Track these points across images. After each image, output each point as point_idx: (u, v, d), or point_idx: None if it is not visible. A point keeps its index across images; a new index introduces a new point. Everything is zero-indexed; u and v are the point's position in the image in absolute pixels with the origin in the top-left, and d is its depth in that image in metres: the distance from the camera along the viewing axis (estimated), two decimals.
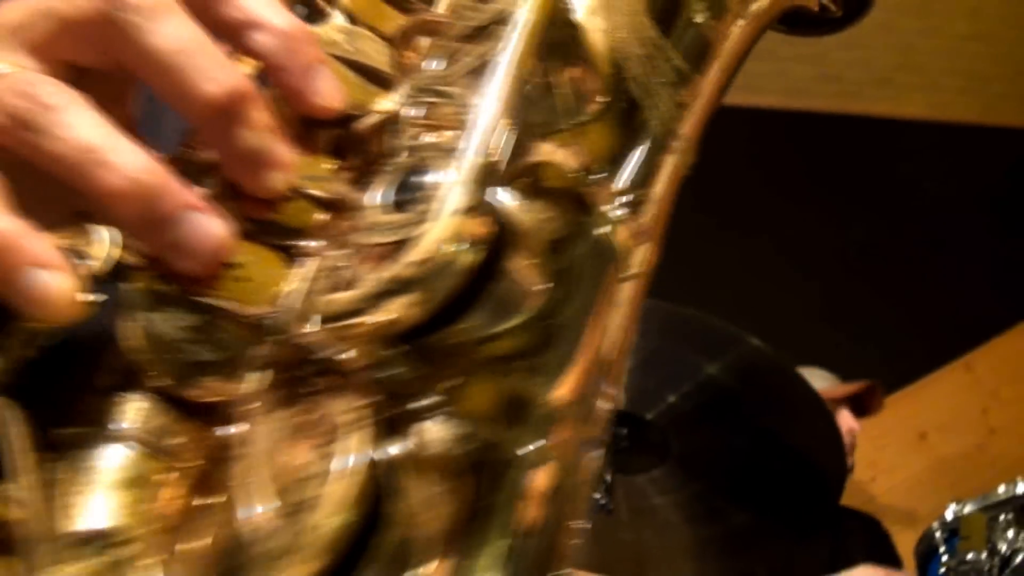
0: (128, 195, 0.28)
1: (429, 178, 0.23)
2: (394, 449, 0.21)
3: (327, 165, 0.30)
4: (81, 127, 0.28)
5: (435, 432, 0.21)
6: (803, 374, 1.67)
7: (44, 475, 0.25)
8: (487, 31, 0.26)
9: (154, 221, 0.28)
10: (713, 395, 1.51)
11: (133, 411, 0.27)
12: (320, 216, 0.29)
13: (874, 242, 3.29)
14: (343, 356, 0.22)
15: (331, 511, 0.20)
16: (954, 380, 3.13)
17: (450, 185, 0.22)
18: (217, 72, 0.29)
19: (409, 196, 0.24)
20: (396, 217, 0.23)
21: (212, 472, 0.26)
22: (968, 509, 1.54)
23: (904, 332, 3.13)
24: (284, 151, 0.30)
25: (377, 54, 0.32)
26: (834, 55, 3.02)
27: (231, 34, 0.31)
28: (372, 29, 0.33)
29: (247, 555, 0.20)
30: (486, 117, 0.23)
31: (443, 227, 0.21)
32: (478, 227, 0.22)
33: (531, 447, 0.22)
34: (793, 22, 0.44)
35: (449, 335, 0.22)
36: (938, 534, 1.58)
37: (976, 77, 3.42)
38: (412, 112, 0.26)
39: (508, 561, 0.22)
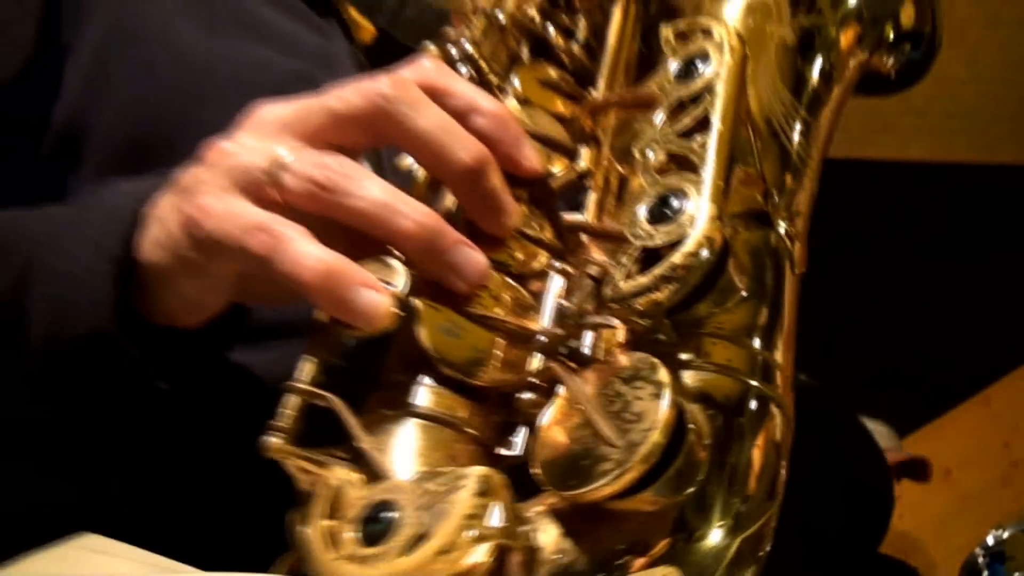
0: (419, 234, 0.38)
1: (676, 201, 0.33)
2: (686, 385, 0.30)
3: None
4: (374, 188, 0.39)
5: (700, 379, 0.31)
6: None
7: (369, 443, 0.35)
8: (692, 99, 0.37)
9: (437, 252, 0.39)
10: None
11: (428, 394, 0.36)
12: (536, 253, 0.40)
13: (887, 281, 3.39)
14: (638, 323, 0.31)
15: (653, 432, 0.28)
16: (974, 415, 3.21)
17: (698, 204, 0.32)
18: (467, 143, 0.40)
19: (663, 212, 0.33)
20: (659, 228, 0.33)
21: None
22: (1008, 533, 1.60)
23: (922, 369, 3.22)
24: (512, 201, 0.41)
25: (552, 126, 0.44)
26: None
27: (457, 118, 0.42)
28: (543, 108, 0.44)
29: (594, 457, 0.29)
30: (711, 155, 0.33)
31: (701, 232, 0.31)
32: (717, 234, 0.31)
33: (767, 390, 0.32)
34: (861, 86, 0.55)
35: (695, 311, 0.32)
36: (981, 559, 1.64)
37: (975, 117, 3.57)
38: (650, 155, 0.36)
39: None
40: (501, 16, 0.48)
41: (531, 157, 0.42)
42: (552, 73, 0.49)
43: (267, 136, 0.41)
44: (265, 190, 0.39)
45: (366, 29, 0.82)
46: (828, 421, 1.60)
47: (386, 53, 0.82)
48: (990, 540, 1.64)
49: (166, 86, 0.64)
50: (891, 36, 0.49)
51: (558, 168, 0.44)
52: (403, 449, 0.34)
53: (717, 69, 0.35)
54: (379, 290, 0.36)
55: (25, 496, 0.49)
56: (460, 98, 0.42)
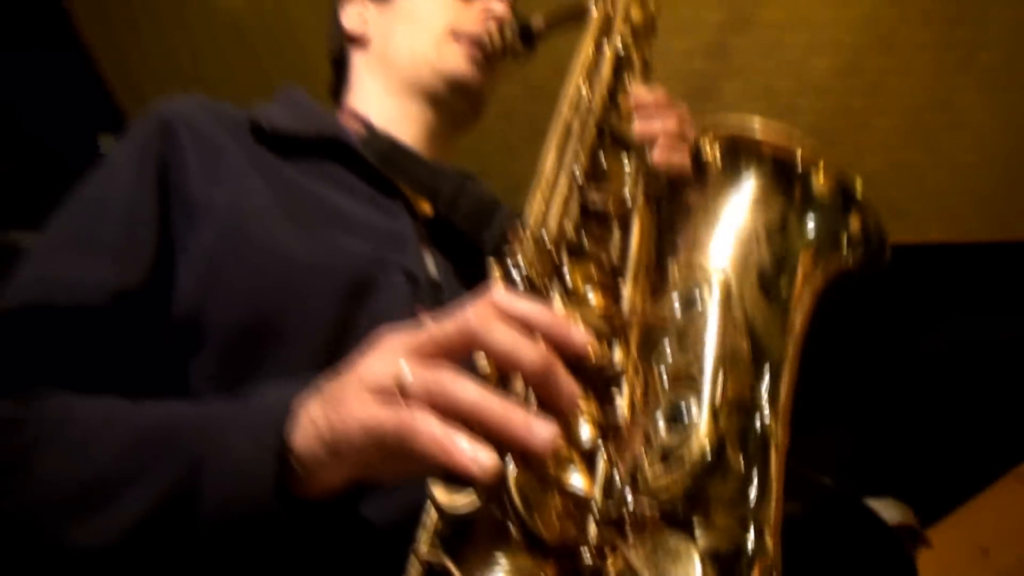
0: (504, 419, 0.52)
1: (683, 408, 0.46)
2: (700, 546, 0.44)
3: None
4: (469, 390, 0.53)
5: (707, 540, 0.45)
6: (875, 506, 1.83)
7: None
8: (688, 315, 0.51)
9: (518, 427, 0.52)
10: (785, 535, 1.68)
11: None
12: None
13: (921, 363, 3.48)
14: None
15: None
16: (1010, 492, 3.25)
17: (700, 412, 0.45)
18: (531, 352, 0.54)
19: (675, 417, 0.47)
20: (672, 432, 0.47)
21: None
22: None
23: (955, 450, 3.29)
24: (570, 388, 0.55)
25: (594, 318, 0.58)
26: None
27: (523, 331, 0.58)
28: (586, 302, 0.59)
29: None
30: (708, 370, 0.47)
31: (704, 435, 0.45)
32: (714, 434, 0.45)
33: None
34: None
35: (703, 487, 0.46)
36: None
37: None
38: (663, 370, 0.50)
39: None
40: (545, 237, 0.63)
41: (579, 340, 0.56)
42: (592, 270, 0.64)
43: (391, 358, 0.56)
44: (393, 398, 0.54)
45: (425, 208, 0.98)
46: (846, 521, 1.69)
47: (443, 230, 0.98)
48: None
49: (270, 282, 0.80)
50: (846, 244, 0.63)
51: (601, 356, 0.58)
52: None
53: (707, 303, 0.49)
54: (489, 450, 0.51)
55: None
56: (522, 316, 0.57)
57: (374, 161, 0.98)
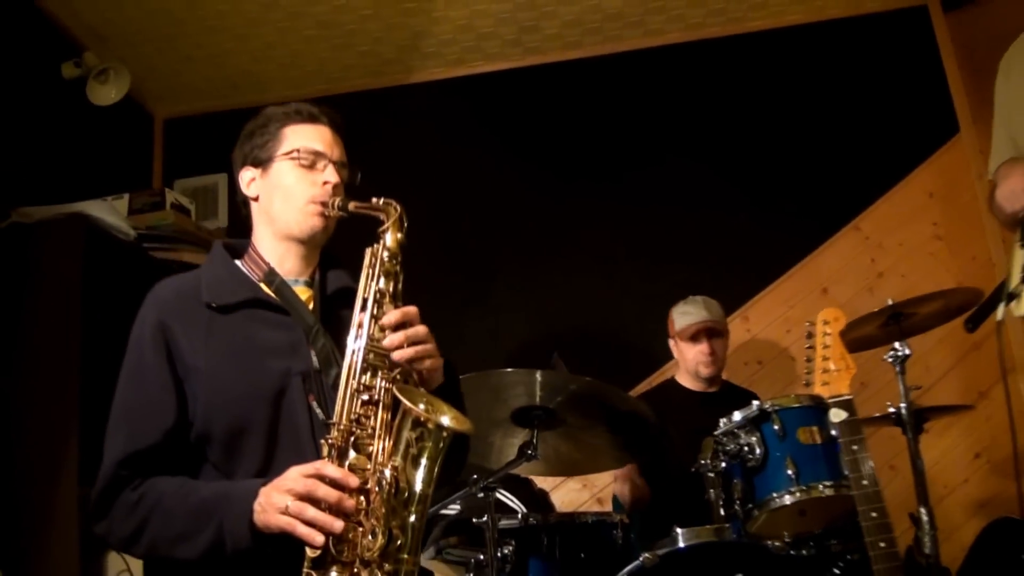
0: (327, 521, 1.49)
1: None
2: None
3: None
4: (330, 490, 1.50)
5: None
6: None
7: None
8: None
9: (329, 527, 1.50)
10: None
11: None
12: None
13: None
14: None
15: None
16: (846, 241, 4.23)
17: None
18: (331, 493, 1.51)
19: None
20: None
21: None
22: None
23: (801, 208, 4.22)
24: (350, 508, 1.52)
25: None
26: None
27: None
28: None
29: None
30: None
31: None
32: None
33: None
34: None
35: None
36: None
37: None
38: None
39: None
40: (344, 422, 1.57)
41: (351, 483, 1.51)
42: (364, 435, 1.57)
43: (295, 475, 1.50)
44: (286, 506, 1.49)
45: (307, 318, 1.84)
46: None
47: (324, 317, 1.85)
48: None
49: (233, 405, 1.71)
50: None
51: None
52: None
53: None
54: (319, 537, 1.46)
55: None
56: (325, 473, 1.52)
57: (273, 295, 1.83)
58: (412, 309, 1.71)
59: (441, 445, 1.54)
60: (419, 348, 1.67)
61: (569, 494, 3.98)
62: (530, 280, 4.31)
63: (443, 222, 4.32)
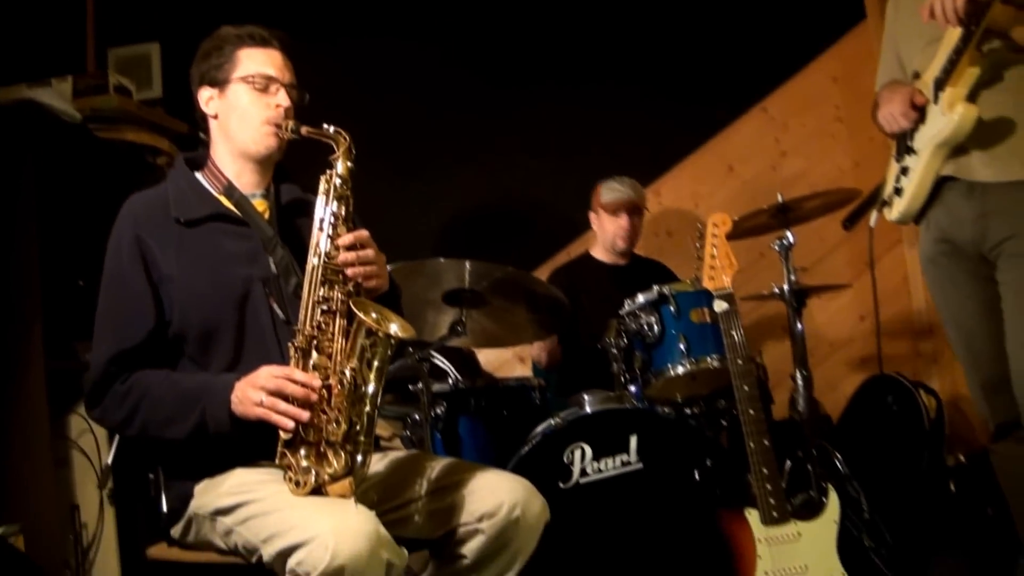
0: (301, 393, 1.84)
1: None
2: None
3: None
4: (296, 386, 1.83)
5: None
6: None
7: None
8: None
9: (299, 416, 1.85)
10: None
11: None
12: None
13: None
14: None
15: None
16: (753, 121, 4.59)
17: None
18: (298, 390, 1.84)
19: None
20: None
21: None
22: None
23: (711, 89, 4.55)
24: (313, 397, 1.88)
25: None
26: None
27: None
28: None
29: None
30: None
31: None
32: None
33: None
34: None
35: None
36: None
37: None
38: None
39: None
40: (308, 328, 1.93)
41: (315, 384, 1.87)
42: (325, 341, 1.93)
43: (267, 375, 1.82)
44: (260, 400, 1.84)
45: (266, 230, 2.15)
46: None
47: (282, 230, 2.16)
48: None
49: (204, 308, 2.00)
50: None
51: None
52: None
53: None
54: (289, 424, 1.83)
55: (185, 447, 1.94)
56: (294, 376, 1.86)
57: (233, 208, 2.12)
58: (364, 233, 2.01)
59: (390, 351, 1.89)
60: (368, 268, 1.99)
61: (493, 352, 4.39)
62: (461, 166, 4.55)
63: (371, 116, 4.54)
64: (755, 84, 4.53)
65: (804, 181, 4.47)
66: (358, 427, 1.84)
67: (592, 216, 3.99)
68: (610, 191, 3.87)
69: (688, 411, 3.13)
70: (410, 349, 3.00)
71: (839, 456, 3.27)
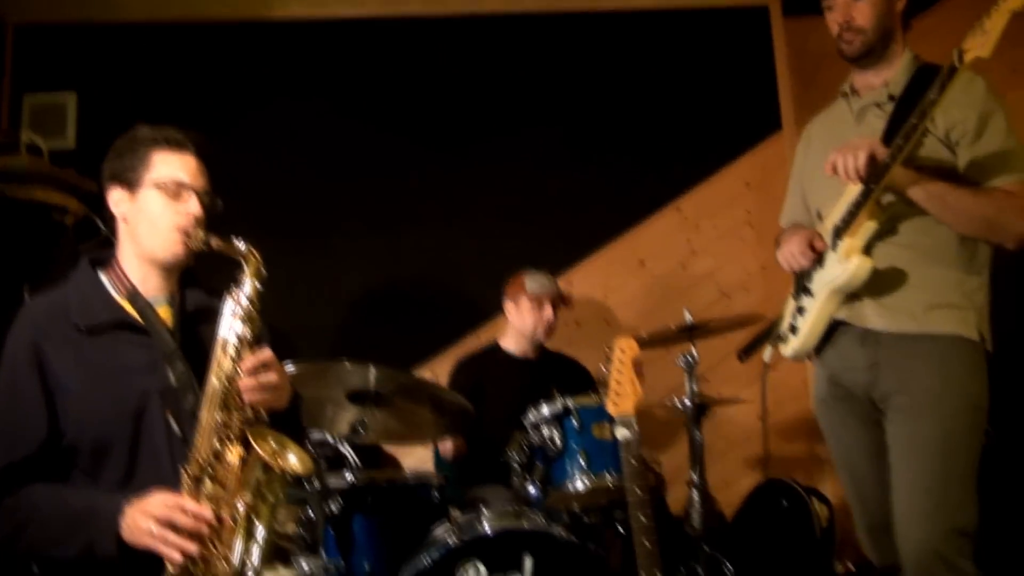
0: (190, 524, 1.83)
1: None
2: None
3: None
4: (187, 517, 1.83)
5: None
6: None
7: None
8: None
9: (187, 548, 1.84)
10: None
11: None
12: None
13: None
14: None
15: None
16: (667, 219, 4.73)
17: None
18: (189, 521, 1.84)
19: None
20: None
21: None
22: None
23: (628, 184, 4.68)
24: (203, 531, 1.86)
25: None
26: None
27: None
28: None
29: None
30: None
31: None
32: None
33: None
34: None
35: None
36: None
37: None
38: None
39: None
40: (200, 459, 1.91)
41: (207, 516, 1.85)
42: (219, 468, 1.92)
43: (158, 503, 1.82)
44: (150, 528, 1.82)
45: (167, 340, 2.13)
46: None
47: (184, 338, 2.15)
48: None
49: (97, 423, 2.00)
50: None
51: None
52: None
53: None
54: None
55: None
56: (185, 507, 1.86)
57: (136, 316, 2.10)
58: (267, 355, 2.02)
59: (285, 487, 1.90)
60: (268, 396, 2.00)
61: None
62: (370, 234, 4.58)
63: (284, 170, 4.56)
64: (671, 183, 4.67)
65: (712, 280, 4.62)
66: (246, 565, 1.84)
67: (509, 305, 4.02)
68: (536, 282, 3.92)
69: (584, 520, 3.17)
70: (308, 444, 2.99)
71: (729, 567, 3.34)
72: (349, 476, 3.08)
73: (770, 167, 4.65)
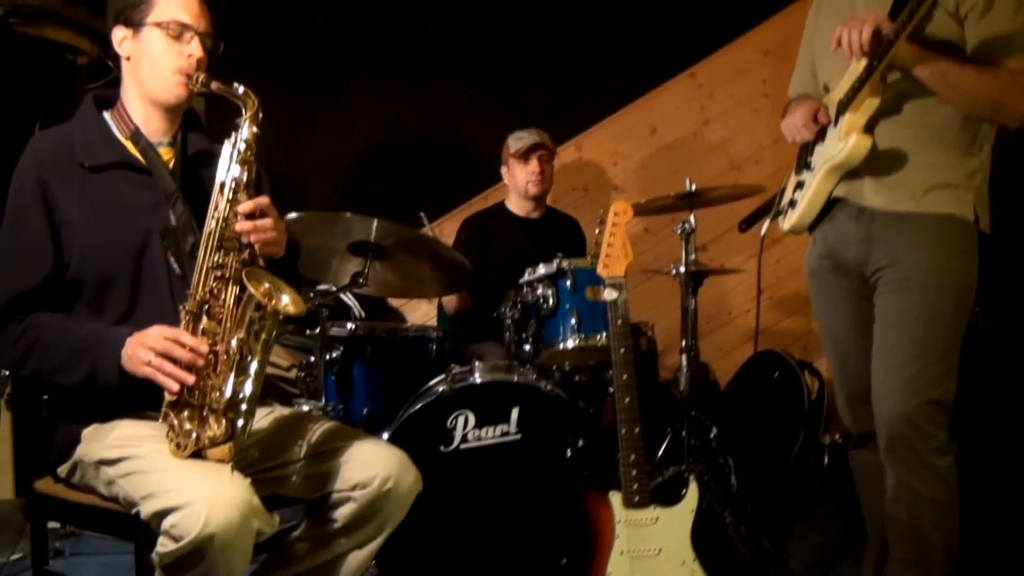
0: (187, 357, 1.92)
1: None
2: None
3: None
4: (183, 350, 1.90)
5: None
6: None
7: None
8: None
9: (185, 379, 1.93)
10: None
11: None
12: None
13: None
14: None
15: None
16: (681, 86, 4.69)
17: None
18: (185, 354, 1.92)
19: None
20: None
21: None
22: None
23: (642, 50, 4.61)
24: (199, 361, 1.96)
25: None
26: None
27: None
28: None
29: None
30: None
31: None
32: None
33: None
34: None
35: None
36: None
37: None
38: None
39: None
40: (198, 295, 2.00)
41: (203, 348, 1.94)
42: (216, 306, 2.00)
43: (157, 335, 1.90)
44: (149, 359, 1.91)
45: (169, 181, 2.19)
46: None
47: (185, 182, 2.20)
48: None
49: (101, 257, 2.06)
50: None
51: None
52: None
53: None
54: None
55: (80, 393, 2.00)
56: (182, 339, 1.94)
57: (139, 156, 2.15)
58: (264, 200, 2.06)
59: (278, 325, 1.98)
60: (265, 236, 2.06)
61: None
62: (382, 91, 4.58)
63: (293, 33, 4.50)
64: (687, 49, 4.61)
65: (723, 151, 4.61)
66: (240, 396, 1.93)
67: (504, 171, 4.08)
68: (517, 140, 3.98)
69: (575, 379, 3.28)
70: (311, 294, 3.08)
71: (714, 429, 3.46)
72: (350, 325, 3.18)
73: (789, 36, 4.45)
